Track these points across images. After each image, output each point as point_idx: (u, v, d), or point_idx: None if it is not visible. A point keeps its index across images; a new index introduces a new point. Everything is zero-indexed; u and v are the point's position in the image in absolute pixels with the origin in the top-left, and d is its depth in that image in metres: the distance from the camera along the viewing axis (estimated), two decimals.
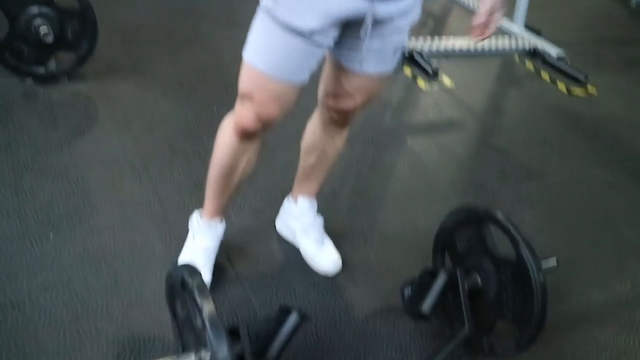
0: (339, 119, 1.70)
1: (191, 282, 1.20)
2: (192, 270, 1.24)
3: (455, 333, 1.63)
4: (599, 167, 2.79)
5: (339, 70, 1.57)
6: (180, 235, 1.96)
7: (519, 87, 3.52)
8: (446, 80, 3.33)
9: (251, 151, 1.61)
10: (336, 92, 1.62)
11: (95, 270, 1.81)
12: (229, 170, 1.63)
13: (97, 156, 2.31)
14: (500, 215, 1.53)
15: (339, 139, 1.79)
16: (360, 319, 1.80)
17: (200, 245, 1.79)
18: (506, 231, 1.51)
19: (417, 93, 3.22)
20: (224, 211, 1.80)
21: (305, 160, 1.86)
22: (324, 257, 1.93)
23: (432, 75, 3.30)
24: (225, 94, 2.73)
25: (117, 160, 2.30)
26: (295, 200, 1.95)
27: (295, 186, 1.95)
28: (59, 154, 2.29)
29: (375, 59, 1.52)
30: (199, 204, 2.06)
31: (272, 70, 1.41)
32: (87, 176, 2.20)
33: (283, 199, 2.02)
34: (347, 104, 1.64)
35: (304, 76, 1.45)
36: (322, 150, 1.80)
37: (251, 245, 2.00)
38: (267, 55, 1.42)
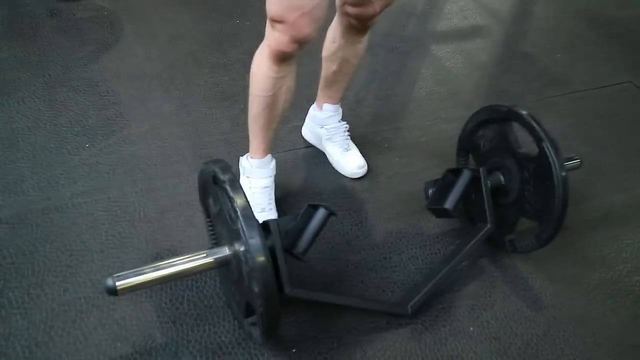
0: (359, 25, 1.68)
1: (223, 176, 1.24)
2: (223, 165, 1.28)
3: (477, 232, 1.67)
4: (627, 72, 2.74)
5: None
6: (208, 145, 2.02)
7: None
8: None
9: (289, 77, 1.56)
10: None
11: (130, 178, 1.89)
12: (272, 100, 1.58)
13: (124, 70, 2.35)
14: (523, 112, 1.53)
15: (360, 45, 1.77)
16: (385, 220, 1.87)
17: (259, 185, 1.76)
18: (529, 127, 1.51)
19: (442, 0, 3.14)
20: (271, 146, 1.76)
21: (328, 67, 1.85)
22: (349, 161, 1.98)
23: None
24: (247, 6, 2.71)
25: (145, 74, 2.34)
26: (320, 107, 1.98)
27: (320, 93, 1.97)
28: (88, 68, 2.33)
29: None
30: (224, 114, 2.10)
31: None
32: (117, 89, 2.24)
33: (308, 107, 2.05)
34: (366, 10, 1.61)
35: None
36: (343, 57, 1.78)
37: (278, 152, 2.04)
38: None
